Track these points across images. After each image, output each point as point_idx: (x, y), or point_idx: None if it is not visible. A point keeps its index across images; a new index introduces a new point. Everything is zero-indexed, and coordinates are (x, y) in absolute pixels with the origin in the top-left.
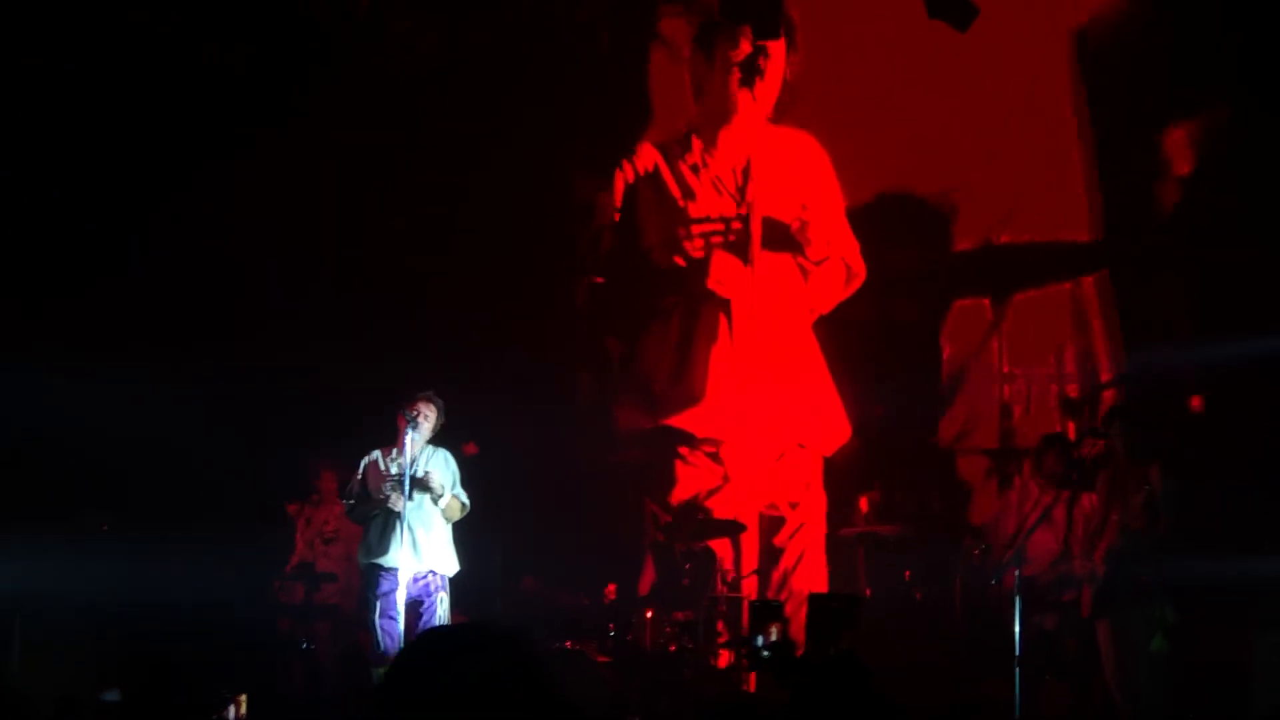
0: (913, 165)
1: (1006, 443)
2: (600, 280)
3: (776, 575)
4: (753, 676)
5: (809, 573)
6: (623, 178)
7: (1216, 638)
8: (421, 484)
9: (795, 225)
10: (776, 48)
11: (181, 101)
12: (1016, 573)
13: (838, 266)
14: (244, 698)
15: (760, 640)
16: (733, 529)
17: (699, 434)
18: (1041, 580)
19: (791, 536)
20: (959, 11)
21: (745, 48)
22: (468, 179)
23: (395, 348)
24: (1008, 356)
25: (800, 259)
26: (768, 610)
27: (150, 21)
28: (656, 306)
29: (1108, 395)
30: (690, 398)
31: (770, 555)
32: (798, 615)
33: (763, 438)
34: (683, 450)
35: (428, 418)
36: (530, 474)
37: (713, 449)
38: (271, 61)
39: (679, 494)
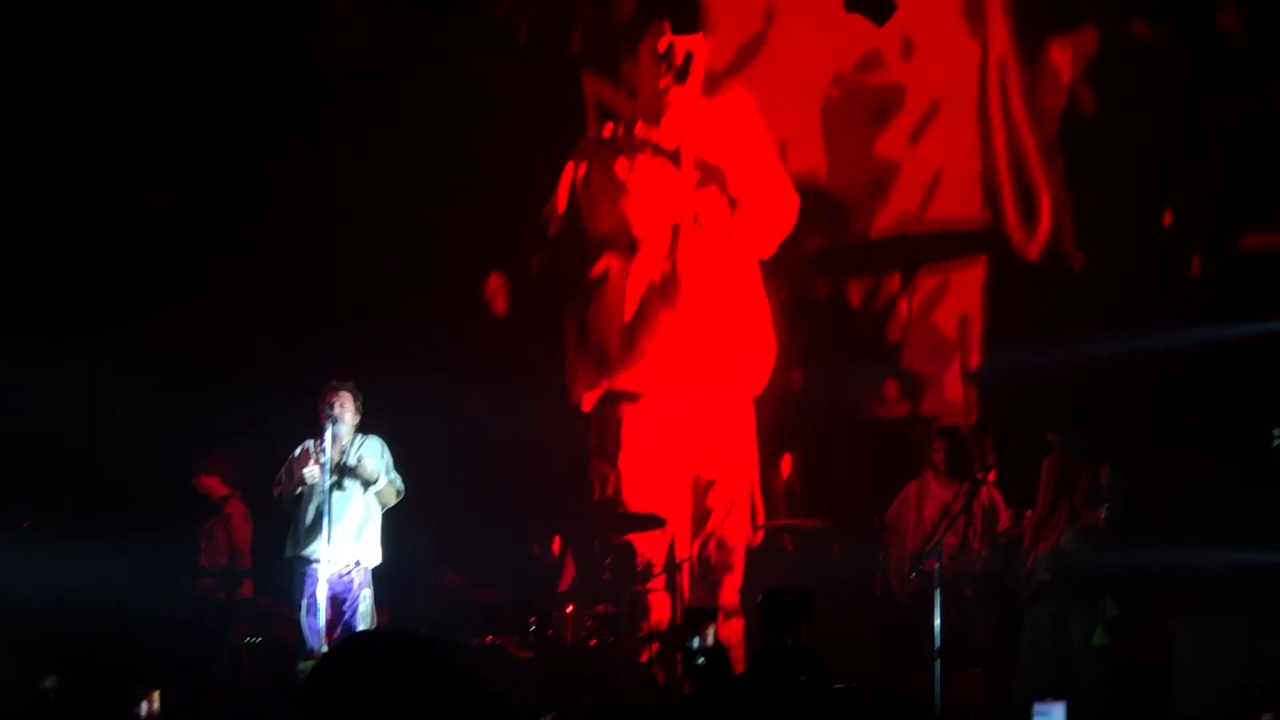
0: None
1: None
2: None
3: (708, 528)
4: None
5: (737, 526)
6: (571, 169)
7: (1152, 631)
8: (352, 472)
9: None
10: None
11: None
12: (937, 565)
13: (768, 209)
14: (156, 693)
15: (696, 643)
16: (651, 523)
17: (640, 391)
18: (943, 574)
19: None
20: (877, 7)
21: (665, 42)
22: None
23: (309, 334)
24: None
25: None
26: (701, 614)
27: None
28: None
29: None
30: (631, 358)
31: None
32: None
33: (696, 381)
34: (626, 409)
35: (345, 407)
36: (452, 465)
37: (653, 404)
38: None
39: (625, 458)
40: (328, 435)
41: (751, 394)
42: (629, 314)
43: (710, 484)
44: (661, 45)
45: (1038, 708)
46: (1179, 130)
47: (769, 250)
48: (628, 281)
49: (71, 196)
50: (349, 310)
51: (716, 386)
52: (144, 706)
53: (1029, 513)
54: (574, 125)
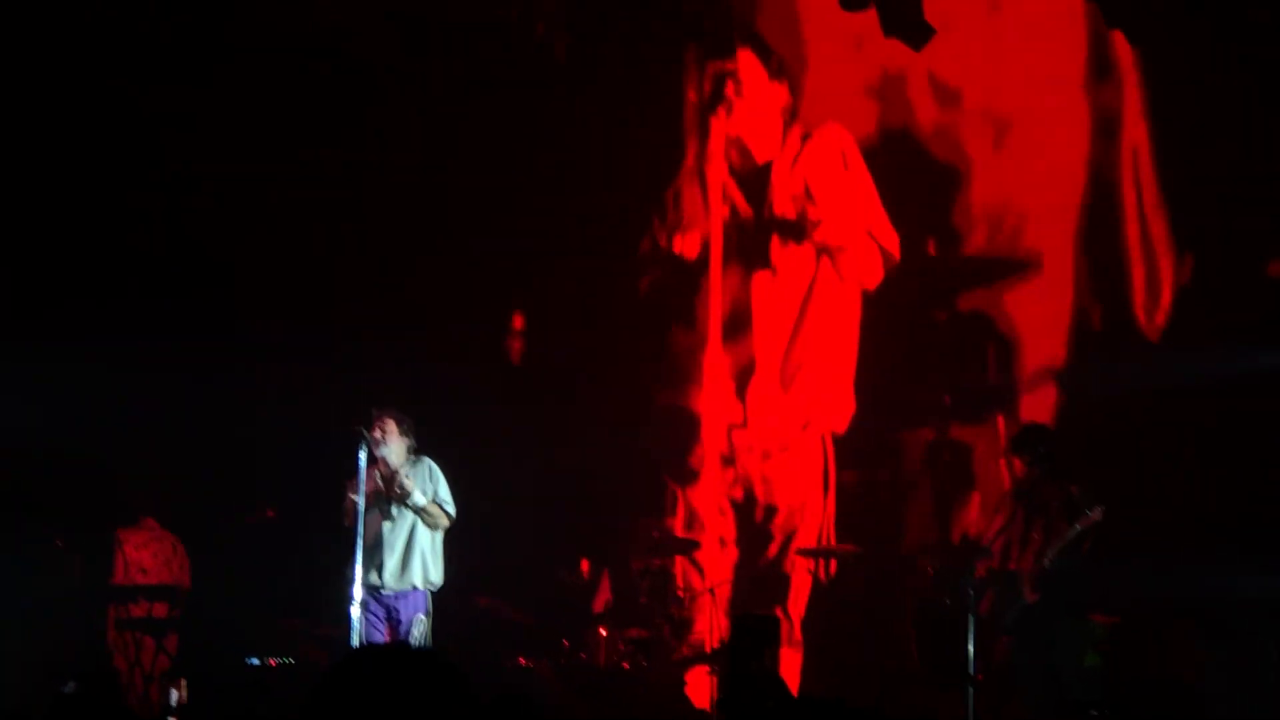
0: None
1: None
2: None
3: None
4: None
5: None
6: (673, 192)
7: (1157, 651)
8: (398, 498)
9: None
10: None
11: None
12: (971, 592)
13: (868, 248)
14: (184, 681)
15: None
16: (687, 546)
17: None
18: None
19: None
20: (915, 31)
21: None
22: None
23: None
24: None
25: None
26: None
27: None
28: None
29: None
30: (715, 381)
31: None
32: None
33: (780, 413)
34: (705, 431)
35: (389, 434)
36: (488, 487)
37: (730, 429)
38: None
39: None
40: (362, 464)
41: (833, 431)
42: (720, 339)
43: (774, 510)
44: (755, 73)
45: None
46: None
47: (870, 285)
48: (722, 309)
49: (148, 232)
50: (401, 337)
51: (800, 420)
52: (173, 695)
53: (998, 536)
54: (673, 151)
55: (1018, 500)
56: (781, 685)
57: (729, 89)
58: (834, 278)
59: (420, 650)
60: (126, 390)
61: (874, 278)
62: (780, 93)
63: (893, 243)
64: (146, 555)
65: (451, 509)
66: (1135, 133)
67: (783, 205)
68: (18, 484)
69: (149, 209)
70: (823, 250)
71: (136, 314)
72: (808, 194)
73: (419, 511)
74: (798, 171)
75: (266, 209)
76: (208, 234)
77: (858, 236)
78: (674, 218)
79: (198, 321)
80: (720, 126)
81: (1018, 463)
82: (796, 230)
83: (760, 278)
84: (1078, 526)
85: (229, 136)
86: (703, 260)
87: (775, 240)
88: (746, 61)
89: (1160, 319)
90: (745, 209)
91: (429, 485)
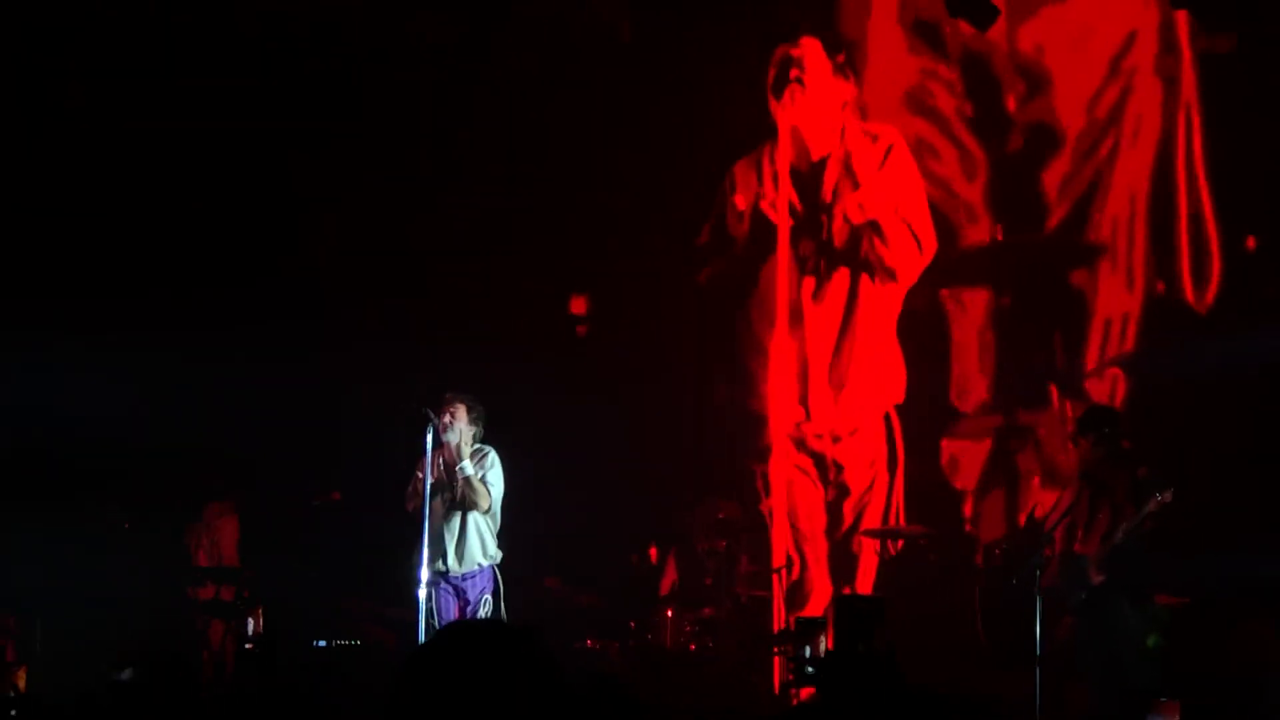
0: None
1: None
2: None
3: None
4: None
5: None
6: (729, 180)
7: (1223, 638)
8: (465, 482)
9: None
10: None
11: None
12: (1038, 573)
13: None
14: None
15: (807, 652)
16: (754, 527)
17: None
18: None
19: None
20: (981, 11)
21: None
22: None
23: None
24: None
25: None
26: (813, 624)
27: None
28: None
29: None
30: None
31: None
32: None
33: (843, 392)
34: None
35: (458, 418)
36: (557, 468)
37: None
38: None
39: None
40: (428, 446)
41: (892, 403)
42: (783, 323)
43: (845, 492)
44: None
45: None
46: None
47: (911, 279)
48: (783, 293)
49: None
50: (469, 319)
51: (861, 398)
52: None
53: (1061, 520)
54: (740, 136)
55: (1083, 482)
56: (893, 665)
57: (793, 74)
58: (880, 271)
59: (512, 626)
60: (203, 377)
61: (914, 272)
62: (844, 85)
63: (929, 239)
64: (222, 538)
65: (496, 494)
66: (1190, 110)
67: (835, 194)
68: (92, 468)
69: (228, 199)
70: (870, 241)
71: (214, 303)
72: (855, 183)
73: (465, 482)
74: (851, 161)
75: (346, 199)
76: (291, 224)
77: (901, 231)
78: (740, 202)
79: (274, 310)
80: (786, 115)
81: (1084, 444)
82: (848, 218)
83: (812, 266)
84: (1146, 509)
85: (314, 128)
86: (765, 247)
87: (829, 228)
88: (812, 49)
89: (1210, 298)
90: (800, 196)
91: (481, 468)
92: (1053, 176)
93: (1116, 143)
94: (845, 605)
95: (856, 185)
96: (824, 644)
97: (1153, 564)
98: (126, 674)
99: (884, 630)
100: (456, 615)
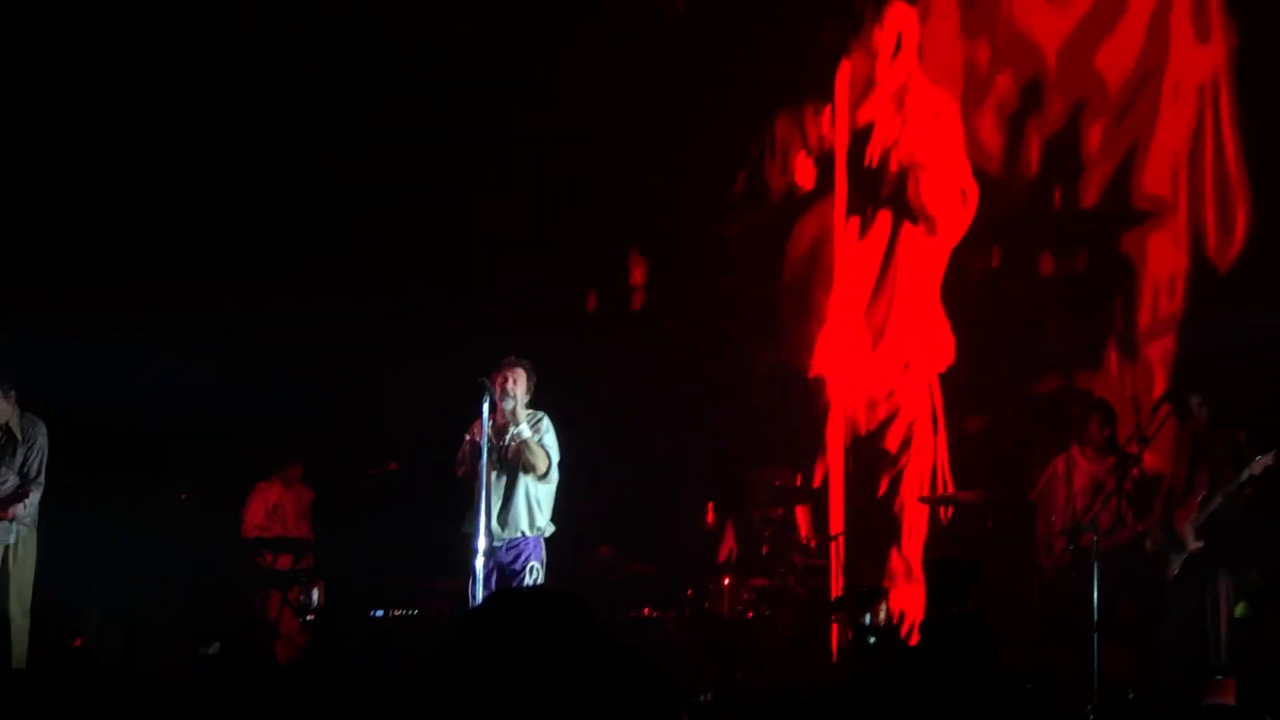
0: None
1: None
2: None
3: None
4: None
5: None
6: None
7: None
8: (519, 448)
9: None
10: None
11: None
12: (1094, 538)
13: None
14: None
15: (867, 620)
16: (809, 495)
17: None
18: (1099, 549)
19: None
20: None
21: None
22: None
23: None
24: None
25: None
26: (873, 592)
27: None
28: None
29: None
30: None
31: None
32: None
33: (887, 357)
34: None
35: (517, 384)
36: (613, 437)
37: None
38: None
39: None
40: (484, 413)
41: (938, 370)
42: (833, 288)
43: (892, 456)
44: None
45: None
46: None
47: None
48: (832, 258)
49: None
50: (523, 289)
51: (907, 362)
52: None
53: (1163, 484)
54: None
55: (1181, 446)
56: (982, 627)
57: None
58: (923, 231)
59: (554, 594)
60: (265, 350)
61: (955, 225)
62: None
63: (973, 191)
64: (286, 507)
65: (555, 455)
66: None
67: (881, 156)
68: (153, 440)
69: (292, 182)
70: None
71: (276, 279)
72: (900, 146)
73: (524, 445)
74: (898, 123)
75: (407, 177)
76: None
77: (944, 179)
78: (788, 151)
79: (336, 284)
80: (844, 74)
81: (1194, 404)
82: (893, 183)
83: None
84: (1245, 474)
85: (379, 111)
86: (807, 197)
87: (873, 191)
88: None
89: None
90: (847, 159)
91: (537, 433)
92: (1093, 137)
93: (1156, 103)
94: (936, 568)
95: (904, 126)
96: (883, 612)
97: (1253, 531)
98: (213, 648)
99: (977, 592)
100: (496, 583)
